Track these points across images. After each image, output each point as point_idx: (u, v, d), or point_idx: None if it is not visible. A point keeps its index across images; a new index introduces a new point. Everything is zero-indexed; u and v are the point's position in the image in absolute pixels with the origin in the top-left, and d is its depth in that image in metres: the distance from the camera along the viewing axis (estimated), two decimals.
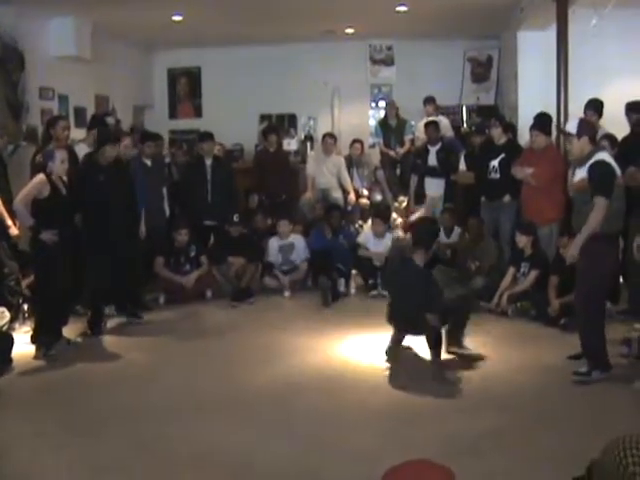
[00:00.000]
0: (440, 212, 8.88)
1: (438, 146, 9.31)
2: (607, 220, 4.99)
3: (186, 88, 13.15)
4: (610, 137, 6.77)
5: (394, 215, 9.49)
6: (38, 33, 9.16)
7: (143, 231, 7.62)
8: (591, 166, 5.06)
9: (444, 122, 10.36)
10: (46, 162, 6.15)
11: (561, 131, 5.52)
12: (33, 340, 6.13)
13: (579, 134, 5.16)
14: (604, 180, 5.02)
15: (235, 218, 8.37)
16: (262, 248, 8.61)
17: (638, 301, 6.55)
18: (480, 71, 11.90)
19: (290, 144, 11.73)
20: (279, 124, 12.35)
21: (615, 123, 7.23)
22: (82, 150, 7.45)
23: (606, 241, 5.08)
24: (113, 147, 6.80)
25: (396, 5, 9.57)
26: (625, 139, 6.96)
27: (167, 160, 8.72)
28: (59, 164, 6.10)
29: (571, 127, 5.26)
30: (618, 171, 5.11)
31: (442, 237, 8.55)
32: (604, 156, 5.14)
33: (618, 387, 5.04)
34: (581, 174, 5.17)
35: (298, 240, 8.65)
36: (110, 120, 8.33)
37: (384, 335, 5.93)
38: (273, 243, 8.62)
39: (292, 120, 12.74)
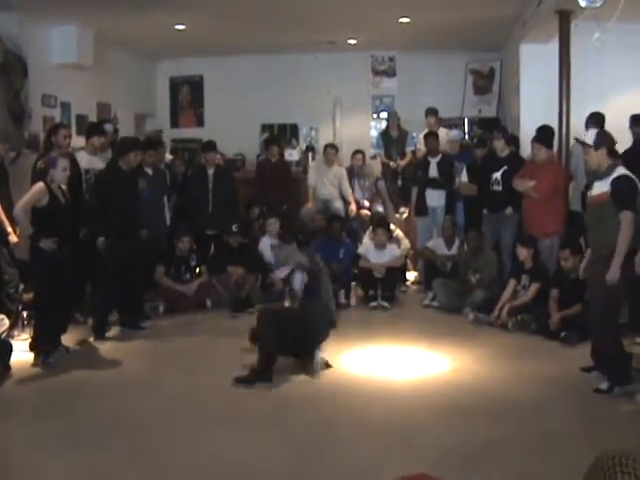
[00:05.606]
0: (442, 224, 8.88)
1: (438, 158, 9.28)
2: None
3: (188, 97, 13.16)
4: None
5: (392, 227, 9.45)
6: (41, 41, 9.20)
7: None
8: (616, 180, 4.95)
9: (451, 134, 10.27)
10: (48, 168, 6.15)
11: (580, 142, 5.46)
12: (32, 348, 6.10)
13: (597, 145, 5.08)
14: (630, 194, 4.92)
15: (234, 228, 8.37)
16: (262, 258, 8.61)
17: (638, 315, 6.52)
18: (482, 83, 11.91)
19: (292, 154, 11.73)
20: (281, 134, 12.36)
21: (617, 136, 7.18)
22: (82, 158, 7.44)
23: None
24: (137, 154, 7.07)
25: (399, 17, 9.60)
26: (627, 152, 6.93)
27: (161, 167, 8.62)
28: (61, 171, 6.10)
29: (589, 138, 5.17)
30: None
31: (443, 249, 8.56)
32: (625, 170, 5.02)
33: (619, 400, 5.01)
34: (600, 188, 5.05)
35: None
36: (108, 127, 8.29)
37: (384, 347, 5.89)
38: (265, 242, 8.69)
39: (294, 130, 12.74)
